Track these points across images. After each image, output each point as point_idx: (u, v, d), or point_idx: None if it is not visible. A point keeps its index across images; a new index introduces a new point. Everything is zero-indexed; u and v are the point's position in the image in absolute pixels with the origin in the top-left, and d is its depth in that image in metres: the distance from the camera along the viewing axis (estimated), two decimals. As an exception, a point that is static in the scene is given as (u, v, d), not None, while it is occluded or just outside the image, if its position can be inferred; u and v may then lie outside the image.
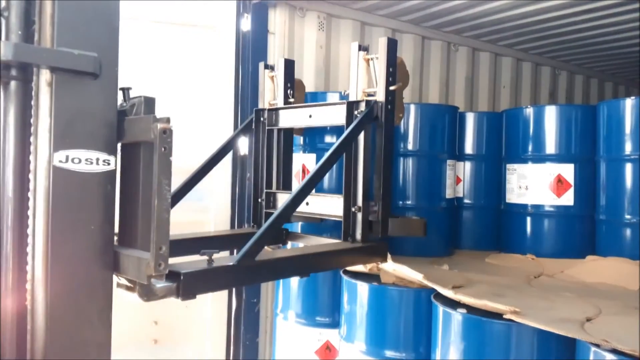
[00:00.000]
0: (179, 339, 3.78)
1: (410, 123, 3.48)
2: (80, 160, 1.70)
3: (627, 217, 3.02)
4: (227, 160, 3.85)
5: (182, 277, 1.93)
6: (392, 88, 2.74)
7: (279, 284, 3.61)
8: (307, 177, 2.51)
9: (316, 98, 3.55)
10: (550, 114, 3.45)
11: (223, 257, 2.25)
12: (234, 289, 3.89)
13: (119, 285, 1.94)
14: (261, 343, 3.99)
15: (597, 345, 1.87)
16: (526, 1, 3.95)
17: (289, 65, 3.32)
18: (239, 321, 3.91)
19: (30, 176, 1.67)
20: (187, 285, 1.95)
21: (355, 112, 2.75)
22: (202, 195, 3.79)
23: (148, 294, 1.88)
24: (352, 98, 2.83)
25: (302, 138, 3.52)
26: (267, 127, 3.24)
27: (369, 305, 2.88)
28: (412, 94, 4.63)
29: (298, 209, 2.87)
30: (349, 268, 3.06)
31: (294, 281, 3.47)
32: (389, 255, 2.76)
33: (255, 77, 3.72)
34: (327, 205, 2.88)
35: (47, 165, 1.66)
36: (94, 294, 1.74)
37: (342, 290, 3.09)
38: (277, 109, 3.23)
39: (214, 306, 3.88)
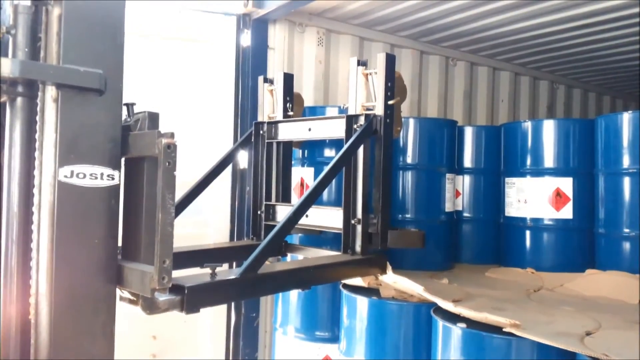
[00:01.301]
0: (177, 353, 3.77)
1: (409, 137, 3.49)
2: (85, 175, 1.72)
3: (626, 230, 3.02)
4: (226, 174, 3.86)
5: (186, 291, 1.94)
6: (390, 102, 2.78)
7: (278, 298, 3.60)
8: (308, 190, 2.53)
9: (315, 112, 3.57)
10: (549, 127, 3.46)
11: (225, 271, 2.27)
12: (232, 304, 3.88)
13: (122, 298, 1.95)
14: (260, 358, 3.97)
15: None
16: (524, 17, 3.99)
17: (288, 79, 3.36)
18: (238, 336, 3.90)
19: (35, 191, 1.69)
20: (192, 299, 1.96)
21: (355, 126, 2.79)
22: (202, 209, 3.79)
23: (151, 307, 1.89)
24: (351, 112, 2.86)
25: (300, 152, 3.54)
26: (266, 140, 3.26)
27: (369, 320, 2.87)
28: (410, 108, 4.65)
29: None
30: (348, 282, 3.05)
31: (293, 295, 3.46)
32: (389, 267, 2.76)
33: (255, 91, 3.75)
34: (326, 217, 2.90)
35: (53, 180, 1.68)
36: (97, 307, 1.76)
37: (342, 305, 3.08)
38: (276, 122, 3.26)
39: (213, 321, 3.87)
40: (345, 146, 2.68)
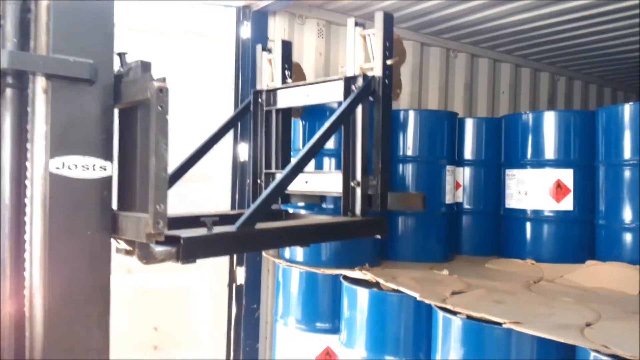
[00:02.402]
0: (178, 345, 3.78)
1: (410, 129, 3.49)
2: (76, 167, 1.71)
3: (626, 222, 3.03)
4: (227, 167, 3.86)
5: (182, 241, 1.93)
6: (389, 62, 2.75)
7: (279, 290, 3.61)
8: (305, 148, 2.51)
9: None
10: (549, 119, 3.46)
11: (223, 226, 2.25)
12: (233, 295, 3.89)
13: (118, 250, 1.94)
14: (261, 349, 3.99)
15: (597, 351, 1.87)
16: (524, 8, 3.97)
17: (287, 46, 3.34)
18: (239, 327, 3.91)
19: (27, 183, 1.68)
20: (187, 250, 1.95)
21: (353, 87, 2.75)
22: (202, 202, 3.79)
23: (147, 256, 1.87)
24: (349, 74, 2.82)
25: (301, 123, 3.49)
26: (265, 108, 3.24)
27: (369, 311, 2.88)
28: (411, 99, 4.64)
29: (297, 188, 2.88)
30: (349, 274, 3.06)
31: (294, 287, 3.47)
32: (391, 280, 2.72)
33: (255, 84, 3.74)
34: (326, 182, 2.90)
35: (44, 172, 1.66)
36: (92, 299, 1.75)
37: (342, 296, 3.09)
38: (274, 90, 3.24)
39: (214, 312, 3.88)
40: (342, 106, 2.64)
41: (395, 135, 3.47)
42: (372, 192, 2.76)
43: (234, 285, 3.90)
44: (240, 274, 3.90)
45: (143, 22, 3.61)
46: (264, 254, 3.87)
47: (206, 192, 3.80)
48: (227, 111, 3.86)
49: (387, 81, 2.75)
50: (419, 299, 2.54)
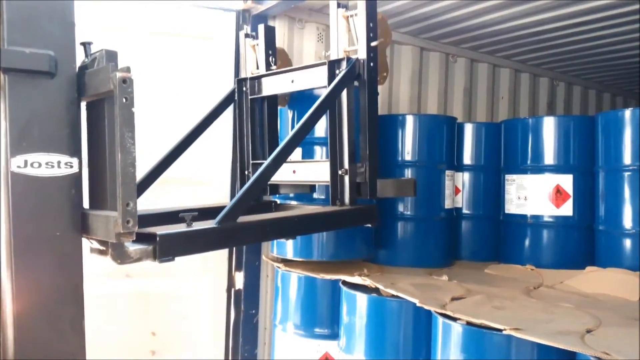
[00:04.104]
0: (176, 350, 3.76)
1: (409, 133, 3.48)
2: (40, 165, 1.63)
3: (627, 227, 3.02)
4: (226, 173, 3.82)
5: (158, 239, 1.85)
6: (373, 44, 2.66)
7: (278, 295, 3.60)
8: (288, 136, 2.43)
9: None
10: (549, 124, 3.46)
11: (204, 221, 2.18)
12: (232, 300, 3.88)
13: (92, 250, 1.86)
14: (260, 354, 3.97)
15: (598, 358, 1.86)
16: (524, 13, 3.97)
17: (269, 31, 3.24)
18: (237, 332, 3.89)
19: None
20: (165, 247, 1.88)
21: (337, 71, 2.67)
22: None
23: (122, 256, 1.78)
24: (333, 58, 2.74)
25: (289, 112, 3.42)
26: (249, 97, 3.15)
27: (368, 317, 2.87)
28: (410, 104, 4.64)
29: (285, 178, 2.80)
30: (348, 279, 3.05)
31: (293, 292, 3.45)
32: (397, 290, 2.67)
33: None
34: (314, 171, 2.81)
35: (5, 171, 1.59)
36: (63, 302, 1.68)
37: (341, 302, 3.08)
38: (259, 77, 3.15)
39: (212, 317, 3.86)
40: (327, 91, 2.56)
41: (395, 140, 3.47)
42: (360, 179, 2.68)
43: (233, 290, 3.89)
44: (239, 278, 3.89)
45: (142, 24, 3.60)
46: (263, 257, 3.85)
47: (209, 193, 3.74)
48: (228, 114, 3.86)
49: (372, 64, 2.66)
50: (418, 304, 2.53)
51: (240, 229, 2.19)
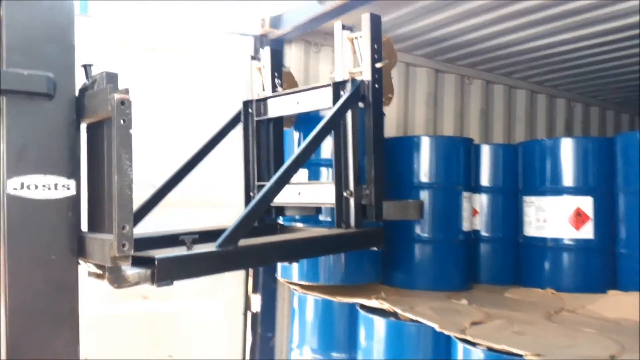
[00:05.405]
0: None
1: (426, 155, 3.48)
2: (36, 187, 1.61)
3: (648, 250, 2.97)
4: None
5: (156, 262, 1.83)
6: (378, 65, 2.65)
7: (294, 318, 3.58)
8: (290, 158, 2.42)
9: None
10: (567, 146, 3.43)
11: (205, 244, 2.15)
12: (248, 323, 3.86)
13: (89, 274, 1.83)
14: (276, 378, 3.94)
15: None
16: (539, 35, 3.98)
17: (276, 54, 3.26)
18: (254, 355, 3.87)
19: None
20: (163, 271, 1.85)
21: (342, 93, 2.66)
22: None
23: (118, 280, 1.74)
24: (338, 80, 2.74)
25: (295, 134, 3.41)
26: (255, 119, 3.15)
27: (387, 341, 2.84)
28: (426, 126, 4.65)
29: (290, 199, 2.78)
30: (365, 303, 3.03)
31: (310, 315, 3.44)
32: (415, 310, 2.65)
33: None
34: (319, 192, 2.78)
35: (1, 193, 1.57)
36: (59, 328, 1.66)
37: (359, 325, 3.05)
38: (264, 99, 3.15)
39: (228, 340, 3.85)
40: (331, 112, 2.55)
41: (410, 162, 3.46)
42: (366, 201, 2.65)
43: (249, 312, 3.88)
44: (256, 301, 3.88)
45: (165, 45, 3.68)
46: (279, 279, 3.84)
47: (231, 214, 3.75)
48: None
49: (376, 85, 2.66)
50: (438, 329, 2.49)
51: (241, 252, 2.16)
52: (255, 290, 3.87)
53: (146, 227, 2.58)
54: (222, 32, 3.86)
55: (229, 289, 3.80)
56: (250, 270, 3.85)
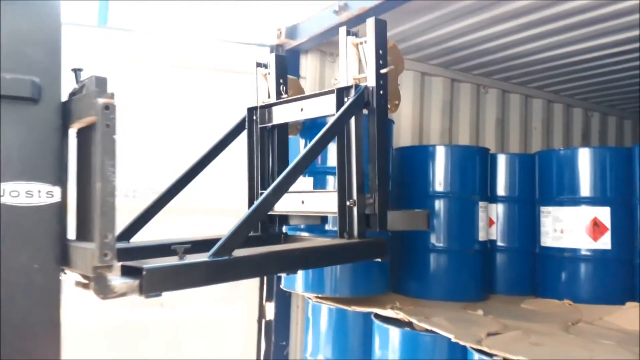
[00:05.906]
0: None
1: (441, 164, 3.47)
2: (19, 194, 1.57)
3: (668, 262, 2.93)
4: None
5: (144, 273, 1.77)
6: (382, 71, 2.59)
7: (308, 327, 3.58)
8: (292, 163, 2.36)
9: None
10: (584, 156, 3.41)
11: (198, 254, 2.07)
12: (262, 331, 3.87)
13: (76, 283, 1.78)
14: (290, 387, 3.94)
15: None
16: (556, 44, 3.96)
17: (281, 61, 3.23)
18: (268, 364, 3.88)
19: None
20: (151, 282, 1.78)
21: (345, 99, 2.61)
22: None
23: (104, 290, 1.66)
24: (342, 85, 2.69)
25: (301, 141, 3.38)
26: (259, 126, 3.11)
27: (402, 351, 2.82)
28: (442, 135, 4.64)
29: (293, 208, 2.75)
30: (380, 313, 3.02)
31: (324, 324, 3.43)
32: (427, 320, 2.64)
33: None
34: (323, 201, 2.71)
35: None
36: (41, 338, 1.61)
37: (374, 335, 3.04)
38: (269, 106, 3.11)
39: (242, 349, 3.86)
40: (333, 118, 2.49)
41: (426, 171, 3.46)
42: (369, 211, 2.58)
43: (264, 320, 3.89)
44: (270, 309, 3.88)
45: (184, 59, 3.72)
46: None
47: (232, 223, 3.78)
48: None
49: (381, 91, 2.59)
50: (453, 340, 2.48)
51: (235, 263, 2.06)
52: (269, 299, 3.88)
53: (149, 235, 2.55)
54: (242, 43, 3.90)
55: (247, 296, 3.81)
56: (265, 278, 3.86)
